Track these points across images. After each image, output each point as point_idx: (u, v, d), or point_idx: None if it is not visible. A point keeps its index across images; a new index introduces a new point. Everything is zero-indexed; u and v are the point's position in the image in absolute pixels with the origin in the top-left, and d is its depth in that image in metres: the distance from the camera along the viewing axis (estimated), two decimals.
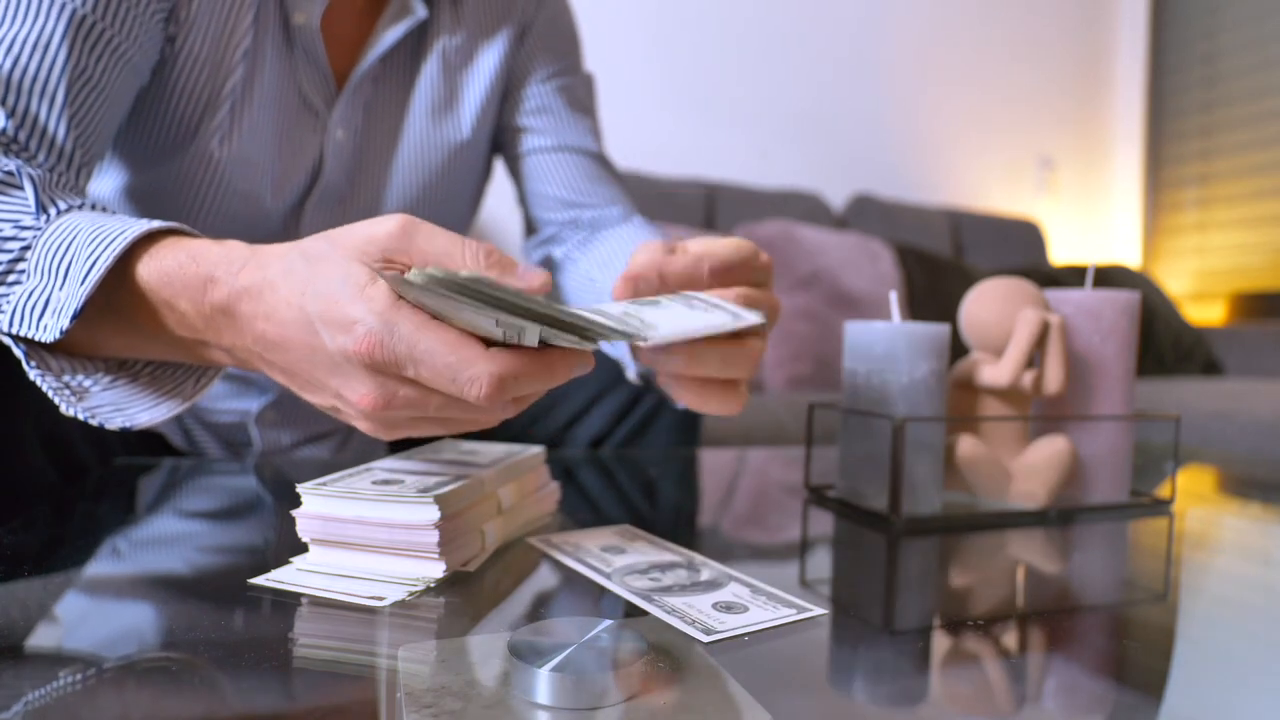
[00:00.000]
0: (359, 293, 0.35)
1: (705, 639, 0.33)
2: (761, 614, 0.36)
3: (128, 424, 0.47)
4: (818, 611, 0.37)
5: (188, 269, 0.41)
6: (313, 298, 0.36)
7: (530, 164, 0.83)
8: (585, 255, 0.81)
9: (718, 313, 0.40)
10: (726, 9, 2.42)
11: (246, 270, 0.39)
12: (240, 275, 0.40)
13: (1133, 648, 0.38)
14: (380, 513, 0.40)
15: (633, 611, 0.37)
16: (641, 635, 0.30)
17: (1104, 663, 0.36)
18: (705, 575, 0.41)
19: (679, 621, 0.35)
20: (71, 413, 0.46)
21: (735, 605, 0.37)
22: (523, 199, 0.86)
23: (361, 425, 0.39)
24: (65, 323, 0.43)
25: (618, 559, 0.44)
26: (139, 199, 0.70)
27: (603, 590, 0.40)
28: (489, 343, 0.36)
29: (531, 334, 0.35)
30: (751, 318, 0.41)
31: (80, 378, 0.48)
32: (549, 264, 0.87)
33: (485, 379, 0.34)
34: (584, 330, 0.36)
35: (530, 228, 0.87)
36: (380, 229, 0.37)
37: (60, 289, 0.43)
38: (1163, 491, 0.66)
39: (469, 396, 0.35)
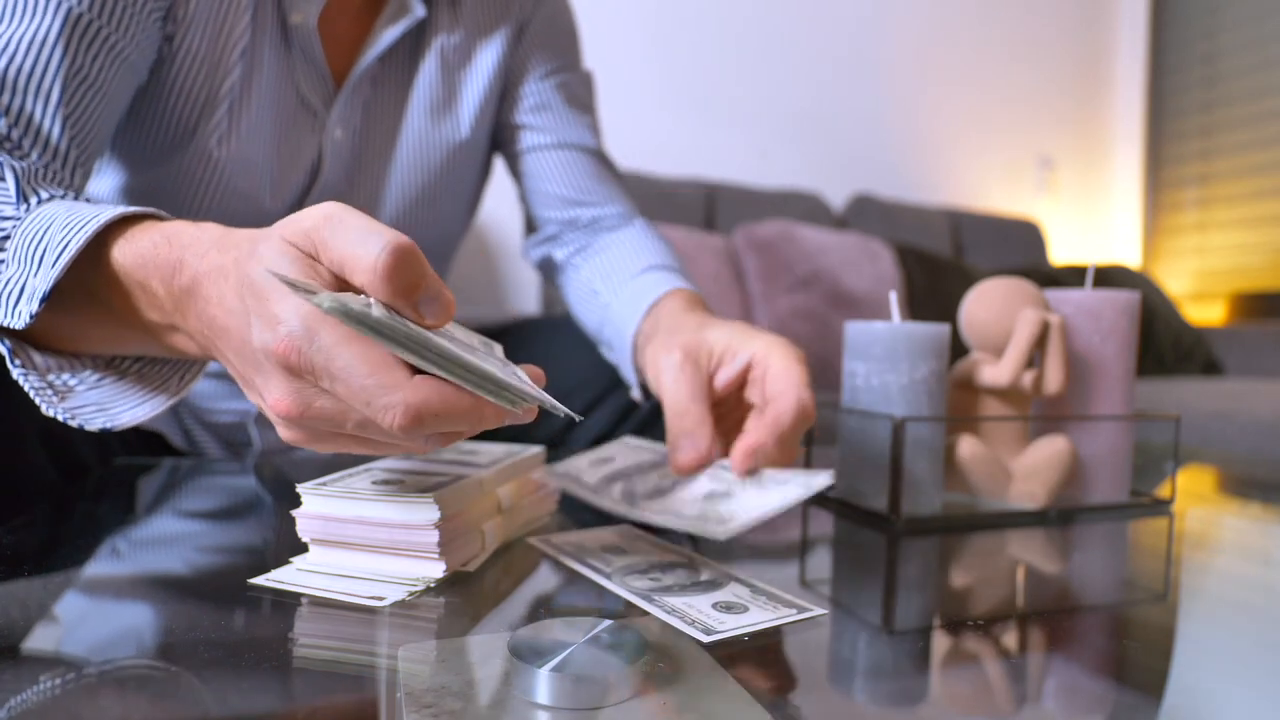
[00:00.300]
0: (290, 291, 0.33)
1: (705, 639, 0.33)
2: (761, 614, 0.36)
3: (109, 424, 0.46)
4: (817, 611, 0.37)
5: (161, 250, 0.41)
6: (248, 288, 0.35)
7: (529, 162, 0.83)
8: (587, 263, 0.81)
9: (790, 487, 0.39)
10: (726, 9, 2.42)
11: (210, 254, 0.38)
12: (205, 258, 0.39)
13: (1133, 648, 0.38)
14: (380, 513, 0.40)
15: (633, 611, 0.37)
16: (641, 635, 0.30)
17: (1104, 663, 0.36)
18: (705, 575, 0.41)
19: (679, 621, 0.35)
20: (51, 413, 0.45)
21: (735, 605, 0.37)
22: (523, 197, 0.86)
23: (281, 432, 0.37)
24: (35, 307, 0.42)
25: (618, 559, 0.44)
26: (138, 199, 0.70)
27: (603, 590, 0.40)
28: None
29: (444, 376, 0.32)
30: (822, 480, 0.41)
31: (66, 376, 0.47)
32: (550, 265, 0.87)
33: (401, 409, 0.32)
34: (498, 391, 0.33)
35: (530, 226, 0.87)
36: (306, 218, 0.35)
37: (35, 275, 0.43)
38: (1163, 491, 0.66)
39: (383, 424, 0.32)
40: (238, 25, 0.65)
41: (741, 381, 0.51)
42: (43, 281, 0.42)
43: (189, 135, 0.66)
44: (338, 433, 0.35)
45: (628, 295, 0.72)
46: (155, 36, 0.62)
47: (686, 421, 0.47)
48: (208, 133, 0.66)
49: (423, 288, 0.33)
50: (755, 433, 0.45)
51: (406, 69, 0.75)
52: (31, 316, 0.42)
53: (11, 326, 0.44)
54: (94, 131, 0.57)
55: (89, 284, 0.43)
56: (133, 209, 0.43)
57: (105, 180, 0.70)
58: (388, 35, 0.71)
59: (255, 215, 0.70)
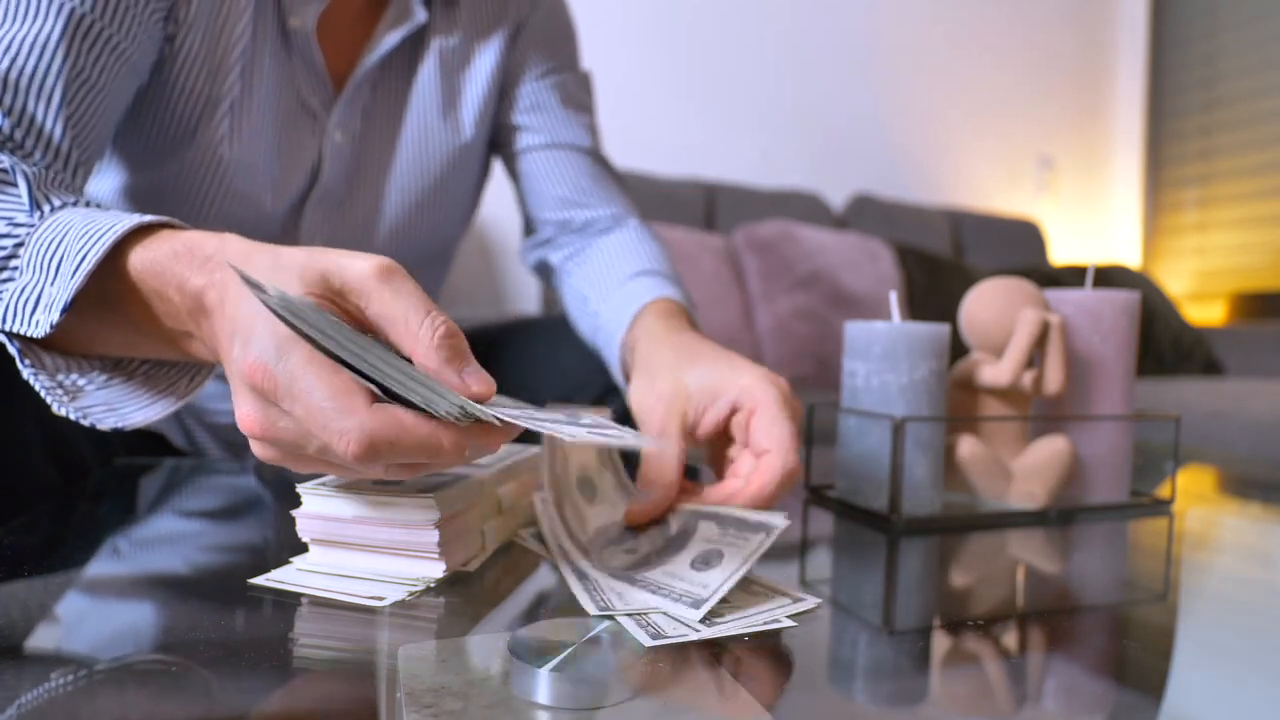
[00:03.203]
0: (272, 315, 0.33)
1: (699, 622, 0.33)
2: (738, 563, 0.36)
3: (120, 424, 0.46)
4: (811, 601, 0.37)
5: (182, 259, 0.41)
6: (246, 304, 0.35)
7: (525, 162, 0.83)
8: (579, 269, 0.81)
9: (757, 536, 0.39)
10: (726, 8, 2.42)
11: (234, 264, 0.39)
12: (220, 270, 0.39)
13: (1133, 648, 0.38)
14: (380, 513, 0.40)
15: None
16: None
17: (1104, 663, 0.36)
18: (674, 528, 0.41)
19: (673, 606, 0.35)
20: (64, 412, 0.45)
21: (712, 556, 0.37)
22: (519, 198, 0.86)
23: (254, 448, 0.37)
24: (55, 317, 0.42)
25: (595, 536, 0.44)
26: (139, 200, 0.70)
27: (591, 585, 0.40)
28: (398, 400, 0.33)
29: (378, 389, 0.32)
30: (779, 523, 0.39)
31: (75, 376, 0.47)
32: (545, 269, 0.87)
33: (355, 436, 0.31)
34: (426, 404, 0.32)
35: (528, 228, 0.87)
36: (354, 266, 0.35)
37: (51, 284, 0.43)
38: (1163, 491, 0.66)
39: (336, 449, 0.32)
40: (237, 27, 0.65)
41: (727, 420, 0.50)
42: (61, 291, 0.42)
43: (190, 136, 0.66)
44: (304, 456, 0.35)
45: (615, 303, 0.72)
46: (157, 37, 0.62)
47: (656, 485, 0.47)
48: (208, 134, 0.66)
49: (468, 358, 0.35)
50: (740, 497, 0.45)
51: (405, 73, 0.75)
52: (52, 326, 0.43)
53: (30, 335, 0.44)
54: (95, 132, 0.57)
55: (105, 291, 0.44)
56: (149, 218, 0.44)
57: (106, 180, 0.70)
58: (389, 39, 0.71)
59: (255, 217, 0.70)
